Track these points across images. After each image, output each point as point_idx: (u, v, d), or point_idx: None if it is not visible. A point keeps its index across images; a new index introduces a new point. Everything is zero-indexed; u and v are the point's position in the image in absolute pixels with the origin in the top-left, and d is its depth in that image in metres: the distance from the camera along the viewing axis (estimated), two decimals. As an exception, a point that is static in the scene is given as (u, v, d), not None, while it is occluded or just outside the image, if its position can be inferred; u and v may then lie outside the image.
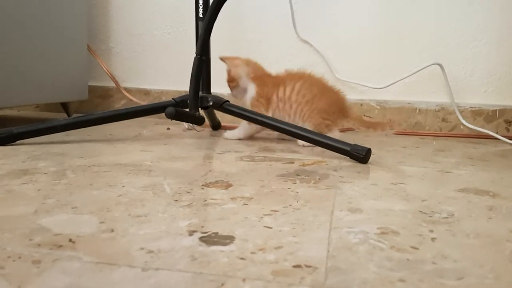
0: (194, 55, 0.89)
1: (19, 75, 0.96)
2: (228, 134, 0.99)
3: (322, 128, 0.92)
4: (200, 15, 0.95)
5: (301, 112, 0.93)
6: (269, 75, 1.00)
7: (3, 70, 0.91)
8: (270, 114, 0.95)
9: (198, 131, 1.09)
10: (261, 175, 0.62)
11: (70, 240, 0.36)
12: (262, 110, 0.95)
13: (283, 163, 0.72)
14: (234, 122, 1.23)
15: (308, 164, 0.71)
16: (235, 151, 0.82)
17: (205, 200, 0.49)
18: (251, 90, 0.97)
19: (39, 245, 0.35)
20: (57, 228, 0.39)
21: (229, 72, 0.99)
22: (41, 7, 1.02)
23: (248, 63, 1.00)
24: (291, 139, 0.94)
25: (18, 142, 0.81)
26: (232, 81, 0.99)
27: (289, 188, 0.55)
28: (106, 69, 1.35)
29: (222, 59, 1.01)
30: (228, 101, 0.94)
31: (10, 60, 0.93)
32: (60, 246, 0.35)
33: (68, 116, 1.23)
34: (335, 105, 0.95)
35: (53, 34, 1.07)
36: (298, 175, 0.63)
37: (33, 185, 0.52)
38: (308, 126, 0.92)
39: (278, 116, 0.94)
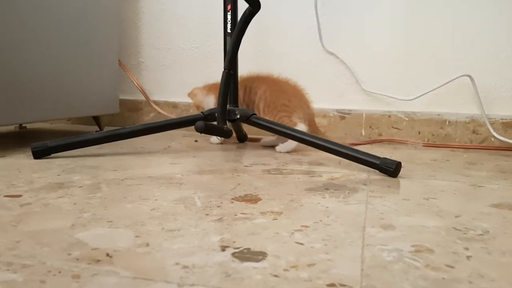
0: (221, 68, 0.91)
1: (54, 90, 0.99)
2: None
3: (284, 119, 0.99)
4: (229, 31, 0.96)
5: (258, 108, 1.02)
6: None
7: (39, 85, 0.95)
8: None
9: (222, 143, 1.11)
10: (290, 189, 0.63)
11: (107, 255, 0.37)
12: None
13: (311, 176, 0.72)
14: (260, 134, 1.23)
15: (336, 178, 0.71)
16: (262, 164, 0.82)
17: (235, 215, 0.49)
18: (211, 100, 1.09)
19: (77, 259, 0.36)
20: (94, 242, 0.40)
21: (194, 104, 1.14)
22: (74, 25, 1.05)
23: (204, 86, 1.12)
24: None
25: (52, 155, 0.83)
26: (198, 109, 1.11)
27: (318, 203, 0.55)
28: (136, 83, 1.39)
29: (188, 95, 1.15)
30: (255, 114, 0.95)
31: (45, 76, 0.97)
32: (98, 260, 0.36)
33: (100, 129, 1.26)
34: (292, 96, 1.03)
35: (86, 50, 1.11)
36: (327, 189, 0.63)
37: (69, 199, 0.54)
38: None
39: None
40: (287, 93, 1.03)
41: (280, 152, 0.98)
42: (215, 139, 1.10)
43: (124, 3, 1.40)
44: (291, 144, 0.99)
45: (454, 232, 0.45)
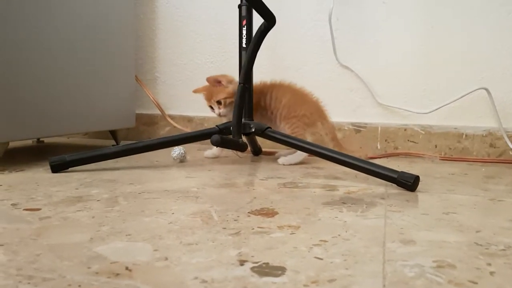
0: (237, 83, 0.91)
1: (71, 105, 1.01)
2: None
3: (299, 129, 1.01)
4: (244, 45, 0.97)
5: (280, 115, 1.03)
6: (257, 86, 1.07)
7: (56, 100, 0.96)
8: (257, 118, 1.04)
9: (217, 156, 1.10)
10: (306, 202, 0.62)
11: (127, 268, 0.37)
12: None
13: (327, 190, 0.71)
14: (274, 147, 1.24)
15: (353, 192, 0.70)
16: (278, 177, 0.82)
17: (253, 229, 0.49)
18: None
19: (97, 273, 0.36)
20: (113, 256, 0.40)
21: (223, 89, 1.03)
22: (91, 41, 1.07)
23: (231, 76, 1.06)
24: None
25: (70, 169, 0.84)
26: (231, 97, 1.02)
27: (336, 217, 0.55)
28: (152, 98, 1.40)
29: (212, 78, 1.04)
30: (270, 127, 0.95)
31: (63, 91, 0.98)
32: (118, 274, 0.36)
33: (117, 143, 1.27)
34: (311, 107, 1.04)
35: (104, 66, 1.12)
36: (344, 203, 0.62)
37: (87, 212, 0.54)
38: (286, 127, 1.02)
39: (262, 121, 1.03)
40: (310, 105, 1.04)
41: (284, 165, 0.99)
42: (209, 152, 1.08)
43: (141, 20, 1.42)
44: (297, 157, 0.99)
45: (475, 247, 0.44)
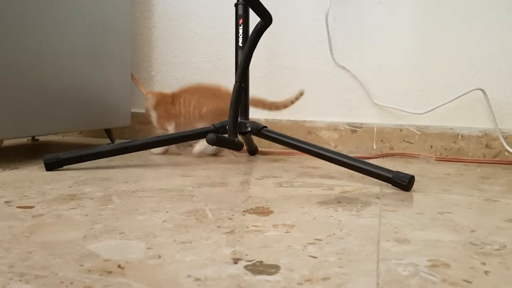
0: (232, 82, 0.91)
1: (66, 103, 1.01)
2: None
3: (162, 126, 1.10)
4: (240, 44, 0.97)
5: (193, 118, 1.08)
6: (166, 97, 1.13)
7: (51, 98, 0.96)
8: (172, 130, 1.12)
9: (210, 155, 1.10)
10: (301, 201, 0.62)
11: (119, 266, 0.37)
12: (166, 129, 1.13)
13: (323, 189, 0.71)
14: (270, 147, 1.24)
15: (349, 191, 0.70)
16: (274, 177, 0.82)
17: (247, 227, 0.49)
18: (154, 116, 1.13)
19: (89, 270, 0.36)
20: (106, 253, 0.39)
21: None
22: (88, 40, 1.07)
23: (157, 95, 1.13)
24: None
25: (64, 167, 0.84)
26: (147, 112, 1.15)
27: (331, 216, 0.55)
28: (148, 96, 1.40)
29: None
30: (266, 126, 0.95)
31: (58, 89, 0.98)
32: (110, 272, 0.35)
33: (112, 141, 1.26)
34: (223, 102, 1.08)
35: (99, 64, 1.12)
36: (339, 202, 0.62)
37: (81, 210, 0.54)
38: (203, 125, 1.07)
39: (181, 128, 1.11)
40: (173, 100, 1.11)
41: (195, 153, 1.06)
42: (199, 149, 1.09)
43: (137, 19, 1.42)
44: (202, 145, 1.06)
45: (470, 246, 0.44)
